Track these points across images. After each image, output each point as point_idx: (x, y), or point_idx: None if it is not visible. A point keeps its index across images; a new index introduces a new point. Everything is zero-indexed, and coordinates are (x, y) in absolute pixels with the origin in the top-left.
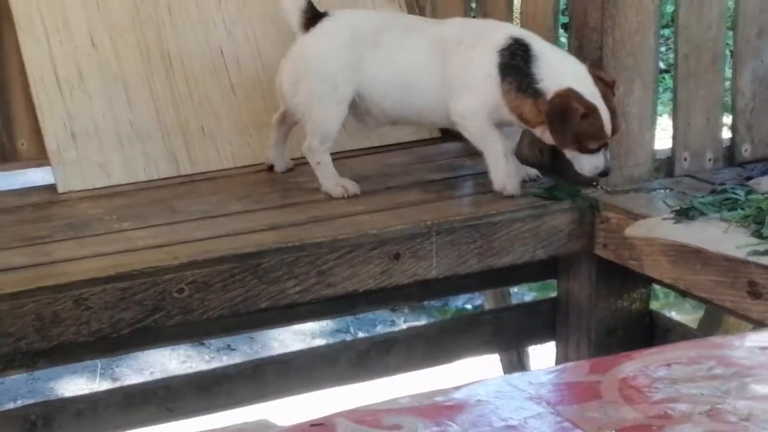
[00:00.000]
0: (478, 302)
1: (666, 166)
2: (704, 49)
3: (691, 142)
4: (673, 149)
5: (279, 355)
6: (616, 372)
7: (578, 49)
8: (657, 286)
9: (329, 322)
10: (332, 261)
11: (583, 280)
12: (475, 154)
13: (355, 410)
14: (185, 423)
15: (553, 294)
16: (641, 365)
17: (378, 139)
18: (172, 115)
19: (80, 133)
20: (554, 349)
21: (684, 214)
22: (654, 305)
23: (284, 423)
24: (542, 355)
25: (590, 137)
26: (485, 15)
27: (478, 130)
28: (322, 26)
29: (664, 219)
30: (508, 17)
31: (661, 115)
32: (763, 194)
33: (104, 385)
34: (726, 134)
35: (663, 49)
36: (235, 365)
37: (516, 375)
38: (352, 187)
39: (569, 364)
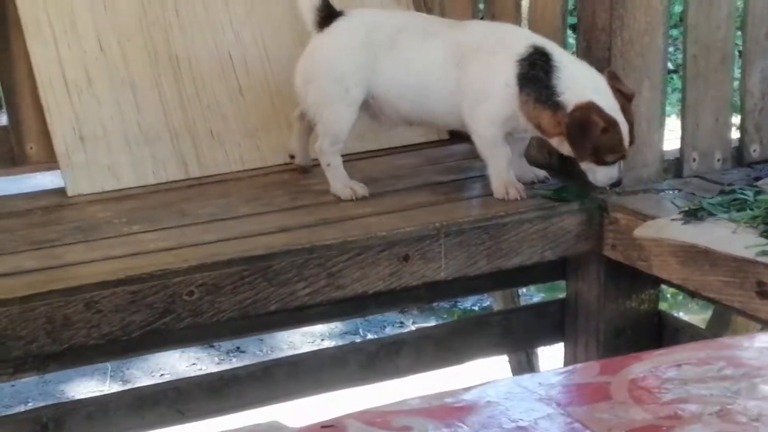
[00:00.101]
0: (486, 304)
1: (674, 166)
2: (713, 49)
3: (699, 142)
4: (681, 150)
5: (288, 357)
6: (625, 373)
7: (586, 50)
8: (664, 287)
9: (338, 324)
10: (342, 263)
11: (591, 281)
12: None
13: (366, 411)
14: (196, 425)
15: (562, 295)
16: (651, 366)
17: (386, 141)
18: (180, 118)
19: (89, 136)
20: (563, 350)
21: (693, 214)
22: (661, 306)
23: (295, 424)
24: (551, 356)
25: (609, 150)
26: (493, 16)
27: (489, 138)
28: (336, 26)
29: (672, 220)
30: (516, 18)
31: (669, 116)
32: None
33: (114, 388)
34: (735, 134)
35: (671, 49)
36: (245, 367)
37: (526, 376)
38: (361, 190)
39: (579, 365)
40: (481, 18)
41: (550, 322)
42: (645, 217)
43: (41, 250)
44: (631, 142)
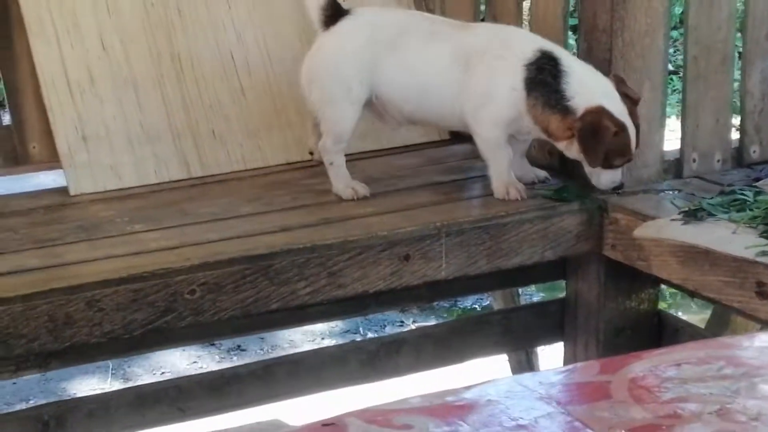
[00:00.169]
0: (486, 303)
1: (674, 167)
2: (714, 50)
3: (699, 143)
4: (681, 150)
5: (289, 356)
6: (625, 372)
7: (587, 52)
8: (664, 287)
9: (339, 323)
10: (342, 262)
11: (591, 281)
12: None
13: (366, 410)
14: (197, 423)
15: (562, 295)
16: (651, 365)
17: (387, 142)
18: (182, 118)
19: (91, 135)
20: (563, 350)
21: (692, 215)
22: (661, 306)
23: (295, 423)
24: (550, 355)
25: (617, 155)
26: (494, 17)
27: (492, 140)
28: (341, 25)
29: (672, 220)
30: (517, 19)
31: (669, 117)
32: None
33: (116, 386)
34: (734, 135)
35: (671, 51)
36: (246, 365)
37: (526, 375)
38: (362, 189)
39: (579, 364)
40: (482, 19)
41: (550, 322)
42: (645, 218)
43: (43, 248)
44: (637, 146)
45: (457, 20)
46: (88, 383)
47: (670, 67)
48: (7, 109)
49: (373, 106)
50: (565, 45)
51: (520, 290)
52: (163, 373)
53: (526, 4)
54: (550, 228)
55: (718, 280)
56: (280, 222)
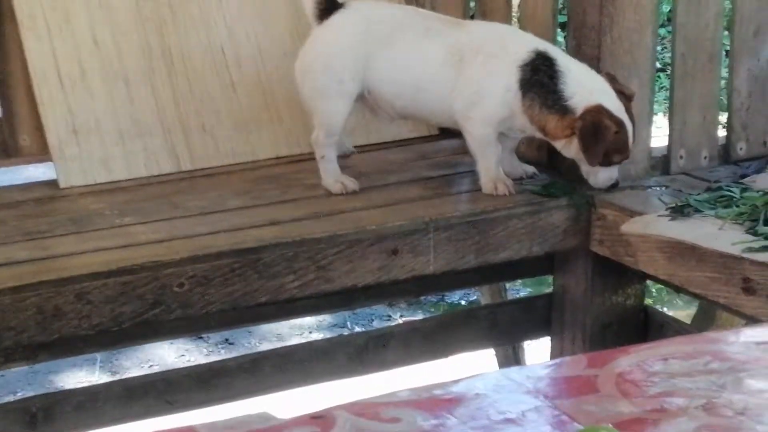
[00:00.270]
0: (473, 298)
1: (662, 163)
2: (701, 47)
3: (687, 140)
4: (669, 147)
5: (277, 349)
6: (613, 366)
7: (576, 48)
8: (650, 283)
9: (326, 317)
10: (331, 256)
11: (578, 276)
12: None
13: (355, 403)
14: (185, 415)
15: (549, 290)
16: (638, 360)
17: (376, 136)
18: (172, 112)
19: (82, 129)
20: (549, 344)
21: (679, 211)
22: (646, 302)
23: (284, 416)
24: (537, 349)
25: (616, 152)
26: (484, 14)
27: (482, 138)
28: (335, 19)
29: (659, 216)
30: (506, 16)
31: (655, 114)
32: (758, 192)
33: (104, 378)
34: (721, 132)
35: (658, 48)
36: (234, 359)
37: (514, 369)
38: (351, 184)
39: (567, 358)
40: (472, 15)
41: (537, 317)
42: (632, 213)
43: (33, 241)
44: (633, 142)
45: (451, 17)
46: (76, 376)
47: (658, 65)
48: None
49: (365, 100)
50: (554, 42)
51: (507, 285)
52: (151, 366)
53: (515, 1)
54: (538, 223)
55: (705, 276)
56: (269, 216)
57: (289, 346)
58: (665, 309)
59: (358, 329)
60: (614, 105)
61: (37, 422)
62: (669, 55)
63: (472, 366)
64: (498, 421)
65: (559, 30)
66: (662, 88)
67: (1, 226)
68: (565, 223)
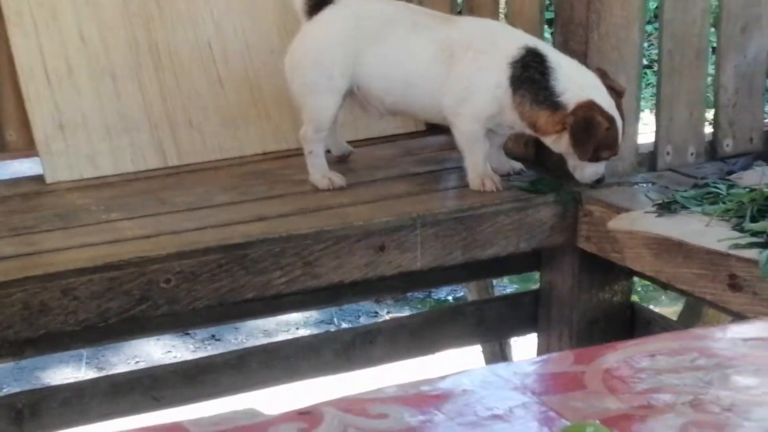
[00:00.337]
0: (460, 294)
1: (649, 160)
2: (688, 44)
3: (673, 136)
4: (655, 143)
5: (264, 345)
6: (600, 362)
7: (563, 44)
8: (636, 279)
9: (313, 313)
10: (318, 252)
11: (565, 273)
12: None
13: (342, 399)
14: (171, 412)
15: (536, 286)
16: (625, 356)
17: (363, 132)
18: (159, 108)
19: (68, 124)
20: (536, 341)
21: (666, 207)
22: (632, 299)
23: (271, 412)
24: (524, 346)
25: (606, 148)
26: (471, 10)
27: (471, 134)
28: (324, 14)
29: (646, 212)
30: (494, 12)
31: (642, 110)
32: (744, 189)
33: (90, 374)
34: (708, 129)
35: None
36: (221, 355)
37: (501, 365)
38: (338, 180)
39: (554, 354)
40: (459, 12)
41: (523, 313)
42: (619, 210)
43: (19, 236)
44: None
45: (441, 12)
46: (63, 372)
47: (645, 61)
48: None
49: (355, 96)
50: (541, 38)
51: (494, 282)
52: (137, 362)
53: None
54: (525, 219)
55: (691, 273)
56: (256, 211)
57: (276, 343)
58: (651, 306)
59: (344, 326)
60: (605, 101)
61: (23, 418)
62: (656, 51)
63: (458, 362)
64: (485, 417)
65: (546, 26)
66: (649, 84)
67: None
68: (552, 220)
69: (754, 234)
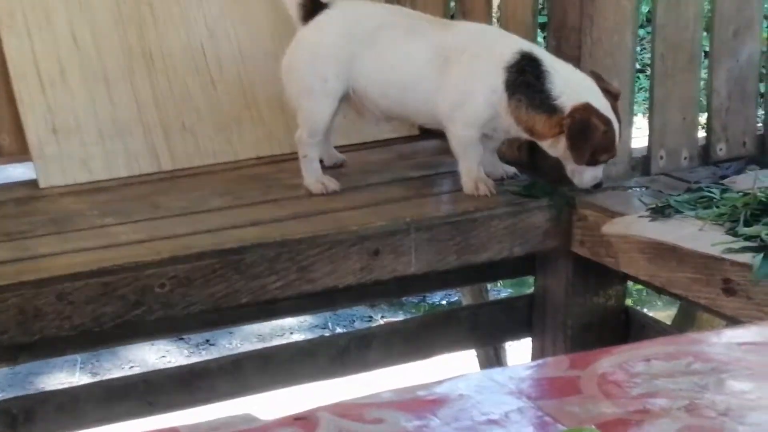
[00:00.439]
0: (454, 299)
1: (642, 164)
2: (681, 48)
3: (667, 140)
4: (649, 148)
5: (259, 350)
6: (595, 367)
7: (556, 49)
8: (630, 284)
9: (308, 318)
10: (313, 257)
11: (559, 277)
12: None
13: (338, 404)
14: (166, 417)
15: (530, 291)
16: (620, 361)
17: (357, 137)
18: (153, 112)
19: (61, 128)
20: (531, 345)
21: (660, 212)
22: (627, 303)
23: (266, 417)
24: (518, 350)
25: (603, 151)
26: (464, 14)
27: (465, 139)
28: (320, 19)
29: (640, 217)
30: (486, 16)
31: (635, 115)
32: (737, 193)
33: (84, 380)
34: (701, 133)
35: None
36: (216, 360)
37: (497, 370)
38: (332, 184)
39: (549, 359)
40: (452, 16)
41: (518, 317)
42: (613, 214)
43: (13, 241)
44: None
45: (436, 17)
46: (57, 377)
47: (637, 66)
48: None
49: (350, 100)
50: (534, 42)
51: (488, 286)
52: (132, 367)
53: (495, 1)
54: (519, 224)
55: (686, 277)
56: (251, 216)
57: (271, 347)
58: (646, 310)
59: (339, 330)
60: (601, 104)
61: (17, 424)
62: (648, 55)
63: (453, 367)
64: (481, 422)
65: (539, 31)
66: (641, 88)
67: None
68: (546, 224)
69: (748, 238)
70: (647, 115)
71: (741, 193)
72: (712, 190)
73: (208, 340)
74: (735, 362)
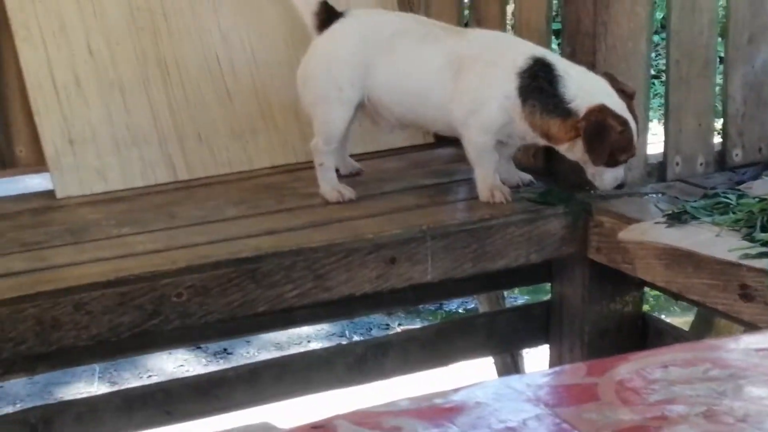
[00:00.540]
0: (471, 306)
1: (658, 170)
2: (696, 54)
3: (682, 146)
4: (665, 154)
5: (276, 359)
6: (613, 374)
7: (571, 55)
8: (647, 290)
9: (325, 326)
10: (329, 265)
11: (576, 284)
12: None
13: (355, 412)
14: (184, 426)
15: (547, 297)
16: (638, 367)
17: (372, 145)
18: (168, 121)
19: (78, 138)
20: (548, 352)
21: (676, 218)
22: (643, 308)
23: (285, 425)
24: (536, 357)
25: (622, 151)
26: (478, 21)
27: (481, 145)
28: (335, 28)
29: (656, 223)
30: (501, 24)
31: (650, 121)
32: (754, 198)
33: (102, 389)
34: (717, 139)
35: (652, 55)
36: (234, 369)
37: (514, 377)
38: (348, 193)
39: (566, 366)
40: (466, 24)
41: (535, 324)
42: (629, 221)
43: (30, 252)
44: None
45: (450, 25)
46: (76, 387)
47: (652, 72)
48: None
49: (365, 108)
50: (549, 49)
51: (504, 293)
52: (150, 376)
53: (509, 8)
54: (535, 231)
55: (702, 283)
56: (267, 225)
57: (288, 356)
58: (663, 316)
59: (356, 338)
60: (617, 104)
61: None
62: (663, 61)
63: (470, 375)
64: (499, 429)
65: (553, 37)
66: (657, 94)
67: None
68: (562, 231)
69: (765, 244)
70: (662, 121)
71: (757, 199)
72: (728, 195)
73: (225, 349)
74: (753, 368)
